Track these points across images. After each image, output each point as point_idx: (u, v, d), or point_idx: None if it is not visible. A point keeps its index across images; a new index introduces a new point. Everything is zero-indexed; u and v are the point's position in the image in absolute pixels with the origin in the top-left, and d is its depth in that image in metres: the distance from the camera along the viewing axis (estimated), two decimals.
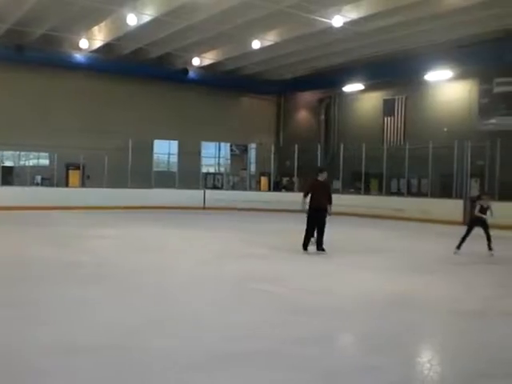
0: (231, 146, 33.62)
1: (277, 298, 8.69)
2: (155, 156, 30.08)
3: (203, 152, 31.36)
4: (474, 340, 6.80)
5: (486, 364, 5.87)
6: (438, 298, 9.18)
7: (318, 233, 13.51)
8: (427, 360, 6.27)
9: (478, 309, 8.42)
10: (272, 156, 31.14)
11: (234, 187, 31.49)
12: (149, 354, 5.77)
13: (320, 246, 13.36)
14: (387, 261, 12.86)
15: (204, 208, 28.24)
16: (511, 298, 9.39)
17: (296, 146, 29.85)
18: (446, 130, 26.01)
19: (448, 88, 27.25)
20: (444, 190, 24.80)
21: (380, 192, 27.42)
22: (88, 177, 27.70)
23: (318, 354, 6.00)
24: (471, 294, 9.66)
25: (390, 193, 26.96)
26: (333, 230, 19.19)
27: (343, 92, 31.25)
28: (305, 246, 13.48)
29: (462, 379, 5.50)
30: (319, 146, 29.93)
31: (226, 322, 7.21)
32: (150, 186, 27.96)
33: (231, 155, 33.99)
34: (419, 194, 25.77)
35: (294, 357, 5.89)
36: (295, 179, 30.26)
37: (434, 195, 24.61)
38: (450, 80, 26.71)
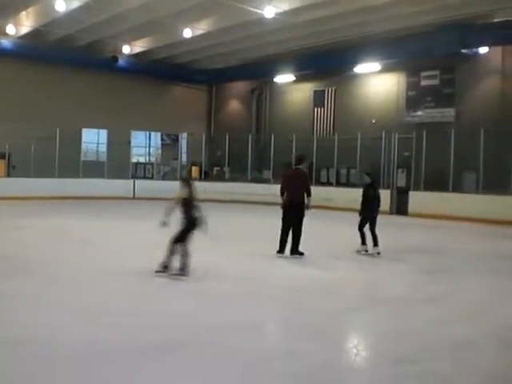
0: (162, 135, 33.33)
1: (199, 287, 8.71)
2: (84, 145, 29.50)
3: (133, 141, 30.91)
4: (399, 325, 6.99)
5: (410, 349, 6.05)
6: (365, 285, 9.39)
7: (292, 233, 11.65)
8: (353, 345, 6.42)
9: (403, 295, 8.66)
10: (203, 146, 31.03)
11: (164, 177, 31.18)
12: (72, 345, 5.73)
13: (295, 250, 11.59)
14: (312, 249, 13.00)
15: (134, 198, 27.90)
16: (435, 284, 9.68)
17: (227, 135, 29.84)
18: (374, 121, 26.52)
19: (377, 80, 27.76)
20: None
21: (310, 182, 27.61)
22: (14, 167, 26.94)
23: (243, 342, 6.07)
24: (398, 280, 9.91)
25: (319, 183, 27.26)
26: (253, 220, 19.37)
27: (274, 82, 31.41)
28: (280, 249, 11.68)
29: (386, 364, 5.65)
30: (250, 136, 30.00)
31: (149, 312, 7.19)
32: (78, 176, 27.41)
33: (162, 145, 33.67)
34: (348, 184, 26.18)
35: (218, 345, 5.94)
36: (226, 169, 30.26)
37: (362, 186, 24.97)
38: (378, 72, 27.19)
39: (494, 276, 10.49)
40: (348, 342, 6.53)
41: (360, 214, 12.67)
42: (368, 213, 12.53)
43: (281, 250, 11.63)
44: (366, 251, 12.39)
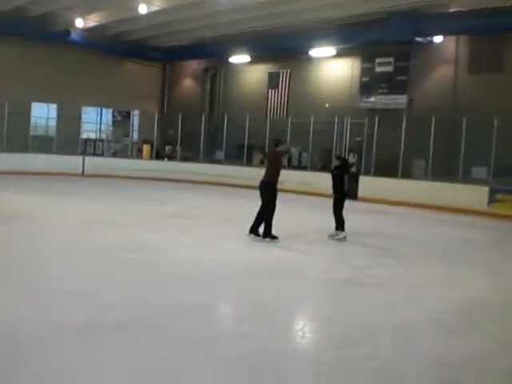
0: (114, 112, 32.86)
1: (152, 267, 8.62)
2: (33, 119, 28.90)
3: (84, 117, 30.42)
4: (343, 308, 7.03)
5: (353, 332, 6.09)
6: (312, 268, 9.43)
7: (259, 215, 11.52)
8: (300, 328, 6.44)
9: (349, 278, 8.73)
10: (155, 124, 30.70)
11: (115, 154, 30.77)
12: (17, 326, 5.60)
13: (264, 233, 11.44)
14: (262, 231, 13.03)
15: (83, 175, 27.47)
16: (381, 268, 9.79)
17: (180, 114, 29.57)
18: (327, 105, 26.62)
19: (331, 65, 27.82)
20: (324, 164, 25.39)
21: (262, 164, 27.59)
22: None
23: (194, 322, 6.03)
24: (345, 263, 10.00)
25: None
26: (212, 201, 19.33)
27: (229, 63, 31.17)
28: (252, 229, 11.59)
29: (330, 347, 5.69)
30: (203, 116, 29.79)
31: (100, 291, 7.08)
32: (26, 151, 26.82)
33: (113, 121, 33.22)
34: (300, 167, 26.27)
35: (169, 325, 5.89)
36: (178, 148, 30.01)
37: (313, 169, 25.16)
38: (333, 57, 27.23)
39: (438, 261, 10.65)
40: (293, 325, 6.54)
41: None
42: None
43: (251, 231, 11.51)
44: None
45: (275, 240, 11.24)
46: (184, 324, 5.98)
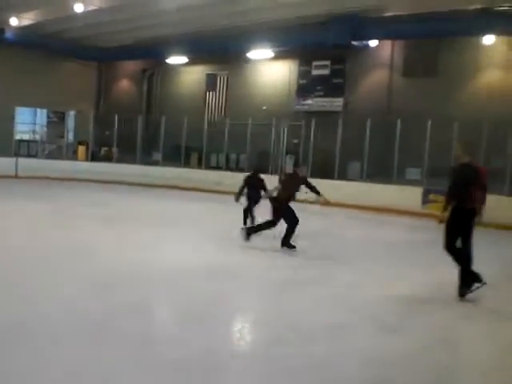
0: (48, 112, 32.20)
1: (95, 269, 8.46)
2: None
3: (17, 118, 29.70)
4: (277, 308, 7.05)
5: (287, 331, 6.10)
6: (249, 269, 9.42)
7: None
8: (235, 329, 6.42)
9: (283, 278, 8.75)
10: (91, 125, 30.22)
11: (49, 156, 30.13)
12: None
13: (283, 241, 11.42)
14: (199, 232, 12.98)
15: (16, 177, 26.79)
16: (315, 268, 9.85)
17: (116, 115, 29.17)
18: (264, 108, 26.69)
19: (269, 67, 27.93)
20: (261, 166, 25.44)
21: (200, 166, 27.59)
22: None
23: (133, 324, 5.95)
24: (281, 263, 10.02)
25: (209, 167, 27.24)
26: (148, 203, 19.15)
27: (167, 64, 30.88)
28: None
29: (263, 347, 5.70)
30: (140, 117, 29.48)
31: (43, 295, 6.91)
32: None
33: (48, 122, 32.55)
34: (237, 168, 26.26)
35: (107, 328, 5.80)
36: (114, 149, 29.60)
37: (251, 170, 25.10)
38: (271, 59, 27.34)
39: (373, 261, 10.79)
40: (228, 326, 6.49)
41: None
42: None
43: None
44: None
45: (293, 249, 11.19)
46: (121, 327, 5.88)
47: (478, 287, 7.80)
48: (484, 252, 8.86)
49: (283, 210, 11.34)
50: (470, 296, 7.74)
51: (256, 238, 11.74)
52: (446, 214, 7.89)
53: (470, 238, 7.91)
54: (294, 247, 11.22)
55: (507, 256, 12.74)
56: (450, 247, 7.87)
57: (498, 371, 5.48)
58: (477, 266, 7.86)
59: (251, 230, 11.68)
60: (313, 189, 11.85)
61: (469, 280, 7.78)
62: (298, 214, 11.27)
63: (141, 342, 5.49)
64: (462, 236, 7.90)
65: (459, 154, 8.18)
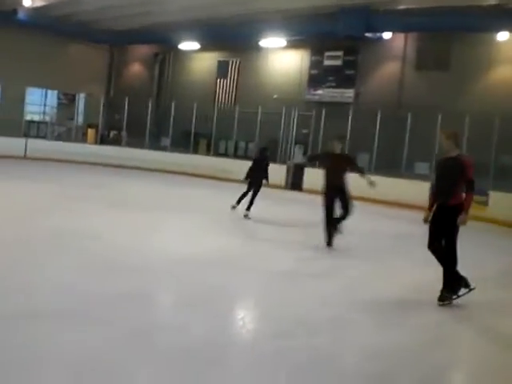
0: (59, 94, 32.19)
1: (92, 255, 8.45)
2: None
3: (28, 98, 29.71)
4: (282, 299, 7.03)
5: (291, 324, 6.08)
6: (250, 259, 9.41)
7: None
8: (237, 320, 6.41)
9: (288, 269, 8.73)
10: (101, 108, 30.22)
11: (58, 137, 30.13)
12: None
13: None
14: (205, 220, 12.96)
15: (25, 157, 26.82)
16: (320, 260, 9.83)
17: (126, 99, 29.15)
18: (275, 96, 26.61)
19: (281, 56, 27.83)
20: (270, 155, 25.40)
21: (208, 152, 27.59)
22: None
23: (130, 313, 5.93)
24: (285, 254, 9.99)
25: (217, 154, 27.22)
26: (156, 188, 19.15)
27: (179, 49, 30.81)
28: (329, 241, 10.70)
29: (268, 339, 5.68)
30: (150, 102, 29.43)
31: (37, 280, 6.90)
32: None
33: (58, 104, 32.55)
34: (246, 157, 26.20)
35: (105, 314, 5.80)
36: (123, 133, 29.60)
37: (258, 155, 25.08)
38: (283, 48, 27.24)
39: (377, 255, 10.77)
40: (231, 317, 6.49)
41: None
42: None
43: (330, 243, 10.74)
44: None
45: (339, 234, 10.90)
46: (120, 314, 5.87)
47: (464, 293, 7.32)
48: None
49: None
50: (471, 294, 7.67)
51: (263, 230, 11.75)
52: (429, 213, 7.54)
53: (454, 238, 7.38)
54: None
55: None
56: (432, 247, 7.36)
57: (493, 370, 5.46)
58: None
59: (331, 237, 10.73)
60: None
61: (454, 284, 7.30)
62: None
63: (138, 330, 5.46)
64: (445, 235, 7.37)
65: (447, 146, 7.52)
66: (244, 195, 13.82)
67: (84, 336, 5.16)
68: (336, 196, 10.78)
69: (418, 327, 6.47)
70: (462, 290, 7.33)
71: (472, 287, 7.37)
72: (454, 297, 7.31)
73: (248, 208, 13.43)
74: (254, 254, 9.93)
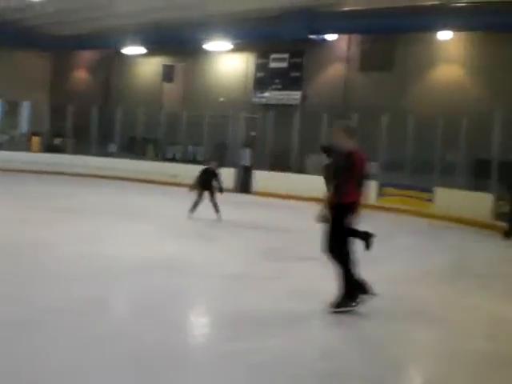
0: (2, 102, 31.55)
1: (39, 264, 8.29)
2: None
3: None
4: (235, 302, 7.01)
5: (246, 326, 6.07)
6: (203, 262, 9.36)
7: None
8: (193, 322, 6.37)
9: (240, 272, 8.71)
10: (46, 115, 29.72)
11: (2, 147, 29.48)
12: None
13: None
14: (155, 226, 12.86)
15: None
16: (271, 262, 9.84)
17: (71, 106, 28.75)
18: (222, 100, 26.61)
19: (227, 59, 27.85)
20: (218, 158, 25.40)
21: (156, 157, 27.42)
22: None
23: (81, 321, 5.84)
24: (236, 257, 9.98)
25: (165, 159, 27.08)
26: (103, 195, 18.92)
27: (124, 54, 30.55)
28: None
29: (222, 341, 5.66)
30: (96, 108, 29.09)
31: None
32: None
33: (1, 112, 31.91)
34: (194, 161, 26.10)
35: (59, 323, 5.68)
36: (69, 140, 29.17)
37: (207, 163, 25.04)
38: (229, 52, 27.27)
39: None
40: (185, 322, 6.44)
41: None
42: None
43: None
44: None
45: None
46: (74, 322, 5.76)
47: (364, 300, 6.64)
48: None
49: None
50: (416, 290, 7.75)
51: (216, 233, 11.73)
52: (323, 212, 6.82)
53: (348, 238, 6.77)
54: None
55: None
56: (327, 249, 6.73)
57: (443, 365, 5.54)
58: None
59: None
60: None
61: (352, 291, 6.61)
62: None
63: (93, 337, 5.38)
64: (340, 236, 6.70)
65: (341, 141, 6.87)
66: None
67: (36, 346, 5.05)
68: None
69: (373, 323, 6.51)
70: (361, 297, 6.64)
71: (373, 293, 6.67)
72: (358, 301, 6.63)
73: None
74: (205, 258, 9.87)
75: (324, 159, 9.34)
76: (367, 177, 6.79)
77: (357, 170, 6.66)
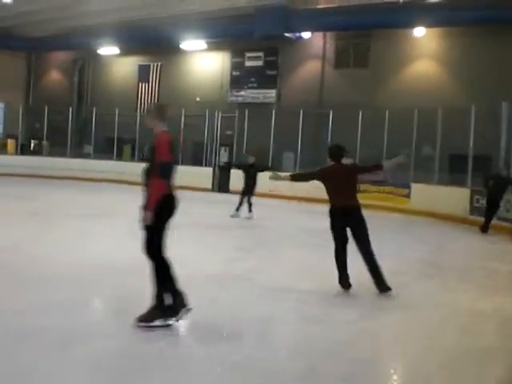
0: None
1: (8, 267, 8.15)
2: None
3: None
4: (207, 302, 6.93)
5: (218, 327, 6.00)
6: (178, 263, 9.26)
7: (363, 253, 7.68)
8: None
9: (214, 271, 8.64)
10: (20, 117, 29.44)
11: None
12: None
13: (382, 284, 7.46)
14: (130, 226, 12.72)
15: None
16: (246, 260, 9.78)
17: (46, 107, 28.50)
18: (198, 99, 26.53)
19: (202, 58, 27.78)
20: (195, 158, 25.39)
21: (133, 158, 27.25)
22: None
23: (54, 323, 5.74)
24: (211, 256, 9.91)
25: (142, 159, 26.89)
26: (79, 197, 18.73)
27: (98, 54, 30.36)
28: (344, 283, 7.59)
29: (196, 343, 5.60)
30: (71, 109, 28.87)
31: None
32: None
33: None
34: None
35: (27, 326, 5.58)
36: (45, 142, 28.92)
37: (185, 162, 24.97)
38: (204, 51, 27.21)
39: (303, 251, 10.80)
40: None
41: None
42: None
43: (346, 286, 7.68)
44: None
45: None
46: (43, 325, 5.66)
47: (182, 315, 5.78)
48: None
49: None
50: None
51: (189, 233, 11.63)
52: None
53: (158, 242, 6.14)
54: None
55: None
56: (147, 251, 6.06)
57: (417, 360, 5.52)
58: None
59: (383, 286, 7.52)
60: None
61: (168, 306, 5.77)
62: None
63: (62, 340, 5.29)
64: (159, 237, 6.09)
65: (151, 124, 5.87)
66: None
67: (3, 349, 4.96)
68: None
69: (341, 323, 6.47)
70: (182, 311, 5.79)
71: (188, 308, 5.76)
72: (171, 320, 5.76)
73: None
74: (181, 258, 9.76)
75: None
76: (162, 164, 5.55)
77: (156, 156, 5.53)
